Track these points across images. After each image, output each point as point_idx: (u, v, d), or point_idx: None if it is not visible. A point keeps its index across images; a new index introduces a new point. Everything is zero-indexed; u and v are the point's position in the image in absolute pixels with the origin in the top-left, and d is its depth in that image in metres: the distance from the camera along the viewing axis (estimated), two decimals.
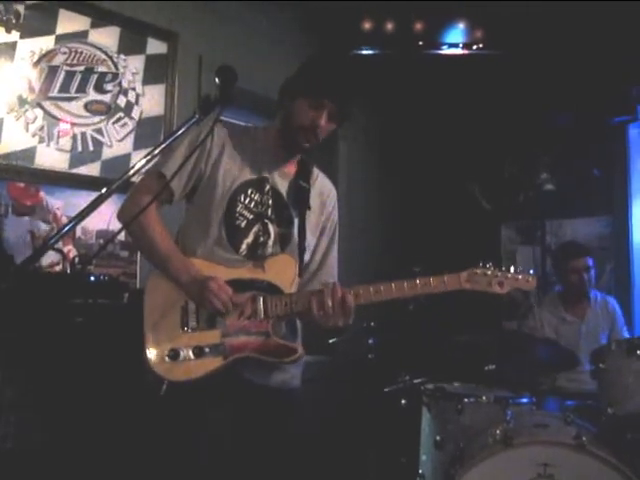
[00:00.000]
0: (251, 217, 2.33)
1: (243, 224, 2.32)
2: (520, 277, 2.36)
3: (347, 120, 2.37)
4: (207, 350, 2.20)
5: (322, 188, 2.53)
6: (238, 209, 2.32)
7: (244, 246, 2.31)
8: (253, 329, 2.23)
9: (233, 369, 2.22)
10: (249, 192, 2.34)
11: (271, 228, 2.35)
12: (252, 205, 2.34)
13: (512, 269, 2.38)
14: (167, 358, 2.19)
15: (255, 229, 2.33)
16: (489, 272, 2.34)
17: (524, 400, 3.48)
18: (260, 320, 2.23)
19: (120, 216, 2.36)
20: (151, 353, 2.20)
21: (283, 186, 2.40)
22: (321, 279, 2.45)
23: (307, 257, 2.42)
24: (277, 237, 2.35)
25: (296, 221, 2.39)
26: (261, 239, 2.33)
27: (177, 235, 2.42)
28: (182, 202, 2.44)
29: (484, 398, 3.45)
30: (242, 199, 2.33)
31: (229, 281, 2.23)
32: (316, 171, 2.54)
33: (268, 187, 2.37)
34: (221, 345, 2.21)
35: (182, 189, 2.33)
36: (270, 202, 2.36)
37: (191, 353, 2.19)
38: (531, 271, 2.39)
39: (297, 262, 2.33)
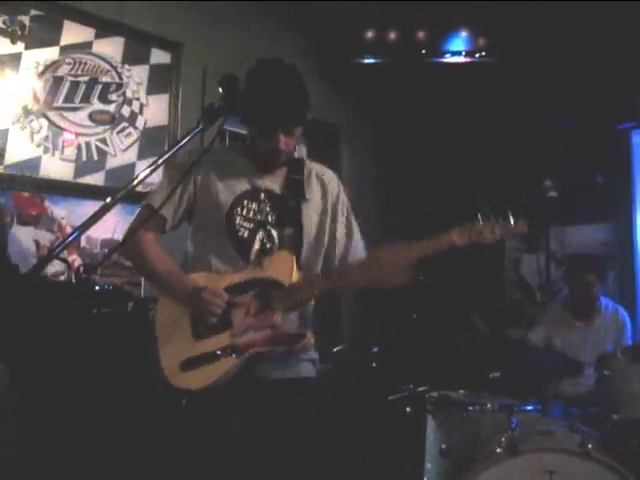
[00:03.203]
0: (252, 226, 2.36)
1: (246, 234, 2.35)
2: (510, 225, 2.44)
3: (306, 120, 2.35)
4: (219, 353, 2.25)
5: (320, 175, 2.53)
6: (237, 221, 2.35)
7: (253, 256, 2.35)
8: (260, 324, 2.27)
9: (247, 368, 2.26)
10: (245, 203, 2.37)
11: (274, 234, 2.37)
12: (250, 215, 2.37)
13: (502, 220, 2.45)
14: (182, 369, 2.26)
15: (259, 236, 2.36)
16: (478, 225, 2.41)
17: (529, 407, 3.47)
18: (266, 315, 2.27)
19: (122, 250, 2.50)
20: (167, 368, 2.28)
21: (277, 185, 2.42)
22: (353, 255, 2.51)
23: (307, 244, 2.43)
24: (282, 240, 2.38)
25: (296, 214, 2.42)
26: (268, 246, 2.36)
27: (184, 259, 2.46)
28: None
29: (489, 406, 3.44)
30: (239, 211, 2.36)
31: (231, 286, 2.29)
32: (309, 163, 2.55)
33: (263, 195, 2.39)
34: (232, 346, 2.26)
35: (173, 215, 2.38)
36: (268, 208, 2.39)
37: (204, 359, 2.25)
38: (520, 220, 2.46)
39: (294, 256, 2.34)
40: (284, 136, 2.29)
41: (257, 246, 2.35)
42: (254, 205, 2.38)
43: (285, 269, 2.31)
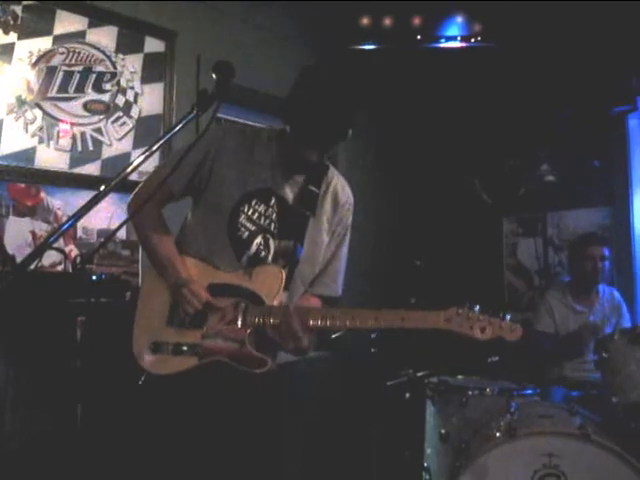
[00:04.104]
0: (253, 229, 2.32)
1: (245, 235, 2.32)
2: (504, 325, 2.11)
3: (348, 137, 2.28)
4: (185, 349, 2.24)
5: (338, 193, 2.48)
6: (240, 219, 2.32)
7: (245, 257, 2.32)
8: (230, 335, 2.23)
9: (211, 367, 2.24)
10: (253, 203, 2.33)
11: (272, 243, 2.34)
12: (255, 217, 2.33)
13: (501, 317, 2.15)
14: (149, 350, 2.26)
15: (257, 241, 2.33)
16: (472, 316, 2.12)
17: (528, 391, 3.48)
18: (238, 327, 2.24)
19: (127, 209, 2.44)
20: (136, 342, 2.29)
21: (292, 193, 2.38)
22: (324, 281, 2.47)
23: (303, 261, 2.38)
24: (277, 252, 2.34)
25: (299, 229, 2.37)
26: (262, 254, 2.33)
27: (180, 229, 2.45)
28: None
29: (488, 390, 3.46)
30: (245, 209, 2.32)
31: (216, 284, 2.28)
32: (332, 174, 2.49)
33: (274, 200, 2.35)
34: (199, 346, 2.24)
35: (182, 190, 2.36)
36: (274, 216, 2.34)
37: (170, 349, 2.25)
38: (518, 325, 2.13)
39: (285, 274, 2.29)
40: (318, 151, 2.26)
41: (252, 251, 2.32)
42: (262, 208, 2.34)
43: (271, 287, 2.27)
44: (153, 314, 2.31)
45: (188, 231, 2.41)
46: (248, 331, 2.22)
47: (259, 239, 2.33)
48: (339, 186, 2.50)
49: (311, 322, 2.17)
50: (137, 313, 2.33)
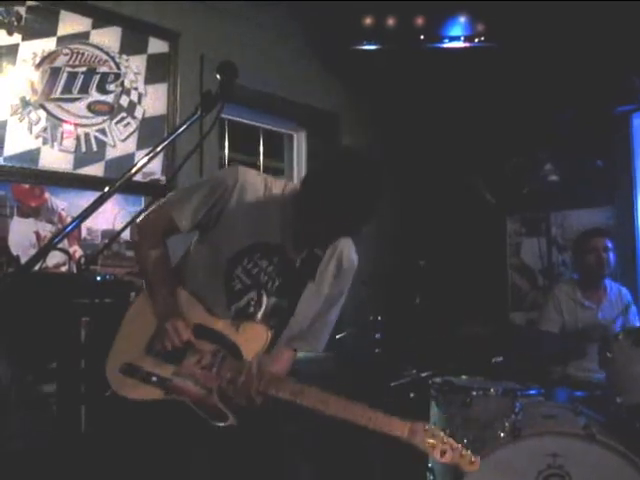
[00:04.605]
0: (249, 283, 2.28)
1: (237, 287, 2.28)
2: (465, 454, 2.07)
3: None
4: (154, 379, 2.22)
5: (342, 259, 2.41)
6: (237, 272, 2.27)
7: (233, 308, 2.29)
8: (201, 380, 2.21)
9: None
10: (255, 257, 2.28)
11: (264, 300, 2.31)
12: (254, 272, 2.28)
13: (461, 445, 2.10)
14: (119, 370, 2.25)
15: (249, 296, 2.29)
16: (438, 435, 2.08)
17: (532, 392, 3.47)
18: (211, 375, 2.21)
19: (134, 242, 2.43)
20: (110, 359, 2.29)
21: (297, 255, 2.32)
22: (305, 337, 2.44)
23: (294, 323, 2.36)
24: (268, 310, 2.31)
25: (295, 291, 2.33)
26: (251, 309, 2.30)
27: (183, 255, 2.43)
28: None
29: (492, 391, 3.44)
30: (245, 262, 2.27)
31: (203, 326, 2.25)
32: (342, 240, 2.41)
33: (277, 258, 2.29)
34: (168, 381, 2.22)
35: (189, 228, 2.30)
36: (274, 274, 2.30)
37: (141, 376, 2.23)
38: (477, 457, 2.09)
39: (271, 336, 2.27)
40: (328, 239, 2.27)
41: (242, 304, 2.29)
42: (264, 263, 2.28)
43: (254, 345, 2.24)
44: (134, 336, 2.30)
45: (190, 263, 2.38)
46: (218, 381, 2.20)
47: (252, 294, 2.29)
48: (345, 253, 2.42)
49: (274, 392, 2.16)
50: (120, 329, 2.33)
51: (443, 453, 2.06)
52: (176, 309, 2.24)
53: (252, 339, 2.25)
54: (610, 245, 4.40)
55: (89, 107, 4.05)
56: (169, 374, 2.22)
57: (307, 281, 2.33)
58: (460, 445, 2.07)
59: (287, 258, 2.30)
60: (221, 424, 2.19)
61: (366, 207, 2.11)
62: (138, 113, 4.28)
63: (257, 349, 2.24)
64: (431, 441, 2.06)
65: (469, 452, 2.08)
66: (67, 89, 3.96)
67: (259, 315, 2.30)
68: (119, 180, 1.71)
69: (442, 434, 2.07)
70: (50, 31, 3.91)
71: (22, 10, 3.80)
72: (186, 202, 2.26)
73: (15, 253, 3.54)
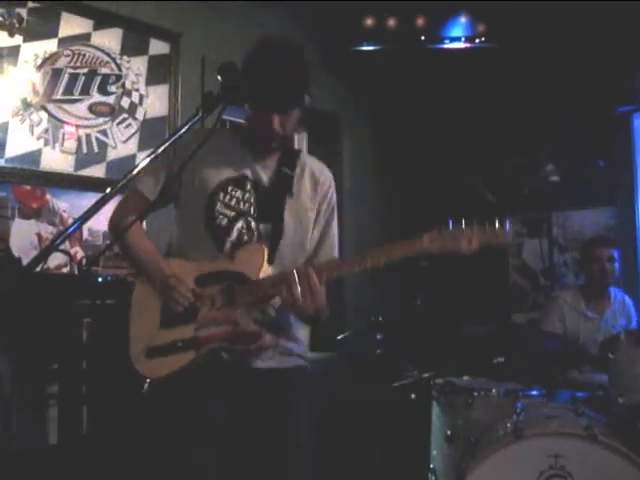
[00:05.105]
0: (232, 214, 2.30)
1: (224, 222, 2.30)
2: (488, 228, 2.14)
3: (304, 104, 2.28)
4: (180, 345, 2.22)
5: (314, 172, 2.46)
6: (217, 207, 2.30)
7: (228, 244, 2.30)
8: (223, 319, 2.23)
9: (216, 358, 2.23)
10: (229, 189, 2.31)
11: (254, 226, 2.32)
12: (233, 202, 2.31)
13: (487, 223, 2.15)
14: (145, 355, 2.25)
15: (238, 226, 2.31)
16: (456, 230, 2.16)
17: (534, 392, 3.47)
18: (229, 310, 2.23)
19: (109, 228, 2.44)
20: (133, 350, 2.28)
21: (266, 177, 2.36)
22: (321, 259, 2.44)
23: (288, 240, 2.37)
24: (261, 234, 2.33)
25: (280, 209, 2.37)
26: (245, 237, 2.31)
27: (169, 242, 2.44)
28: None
29: (494, 391, 3.44)
30: (222, 197, 2.30)
31: (202, 276, 2.26)
32: (304, 157, 2.48)
33: (249, 185, 2.33)
34: (194, 339, 2.23)
35: (157, 194, 2.32)
36: (252, 199, 2.33)
37: (166, 349, 2.23)
38: (507, 226, 2.15)
39: (266, 249, 2.29)
40: (279, 117, 2.23)
41: (234, 237, 2.30)
42: (238, 193, 2.32)
43: (254, 263, 2.26)
44: (146, 320, 2.30)
45: (177, 235, 2.41)
46: (239, 311, 2.22)
47: (240, 224, 2.31)
48: (315, 167, 2.48)
49: (335, 273, 2.21)
50: (131, 322, 2.32)
51: (470, 241, 2.14)
52: (172, 273, 2.25)
53: (249, 259, 2.27)
54: (615, 255, 4.39)
55: (90, 108, 4.06)
56: (192, 333, 2.23)
57: (285, 198, 2.35)
58: (482, 225, 2.14)
59: (257, 182, 2.34)
60: (259, 344, 2.21)
61: (296, 70, 2.23)
62: (139, 114, 4.28)
63: (259, 264, 2.25)
64: (452, 240, 2.17)
65: (492, 226, 2.14)
66: (68, 90, 3.96)
67: (254, 240, 2.31)
68: (120, 181, 1.71)
69: (460, 228, 2.18)
70: (51, 32, 3.92)
71: (23, 12, 3.80)
72: (147, 172, 2.28)
73: (17, 255, 3.54)
